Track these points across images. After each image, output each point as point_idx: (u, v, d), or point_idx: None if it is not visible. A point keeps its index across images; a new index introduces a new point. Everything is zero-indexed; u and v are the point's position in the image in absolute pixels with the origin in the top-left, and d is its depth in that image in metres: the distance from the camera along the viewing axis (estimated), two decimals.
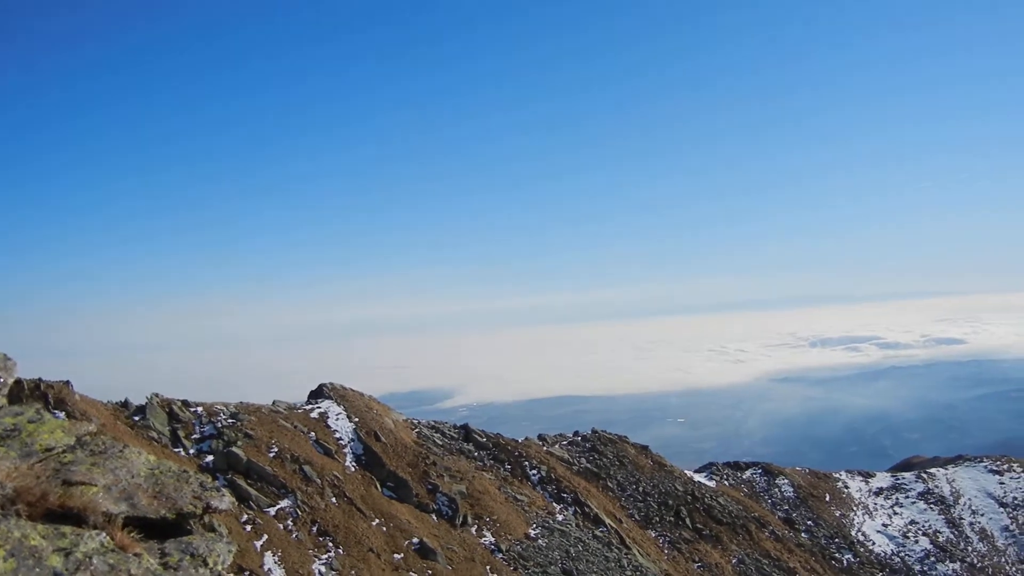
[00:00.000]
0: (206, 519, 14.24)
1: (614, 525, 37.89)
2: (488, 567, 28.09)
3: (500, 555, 29.24)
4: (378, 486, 30.48)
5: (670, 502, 46.36)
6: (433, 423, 40.46)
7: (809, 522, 59.50)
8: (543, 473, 38.92)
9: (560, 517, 34.86)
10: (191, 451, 27.42)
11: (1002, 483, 75.43)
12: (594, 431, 53.37)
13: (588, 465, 46.36)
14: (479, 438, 40.34)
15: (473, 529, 30.71)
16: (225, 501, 14.53)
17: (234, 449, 27.56)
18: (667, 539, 42.23)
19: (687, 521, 45.44)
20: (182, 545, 11.19)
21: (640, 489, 46.40)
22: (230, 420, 29.69)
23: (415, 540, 28.04)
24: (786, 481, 66.85)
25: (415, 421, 38.78)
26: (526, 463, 39.20)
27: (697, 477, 58.89)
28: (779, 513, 59.45)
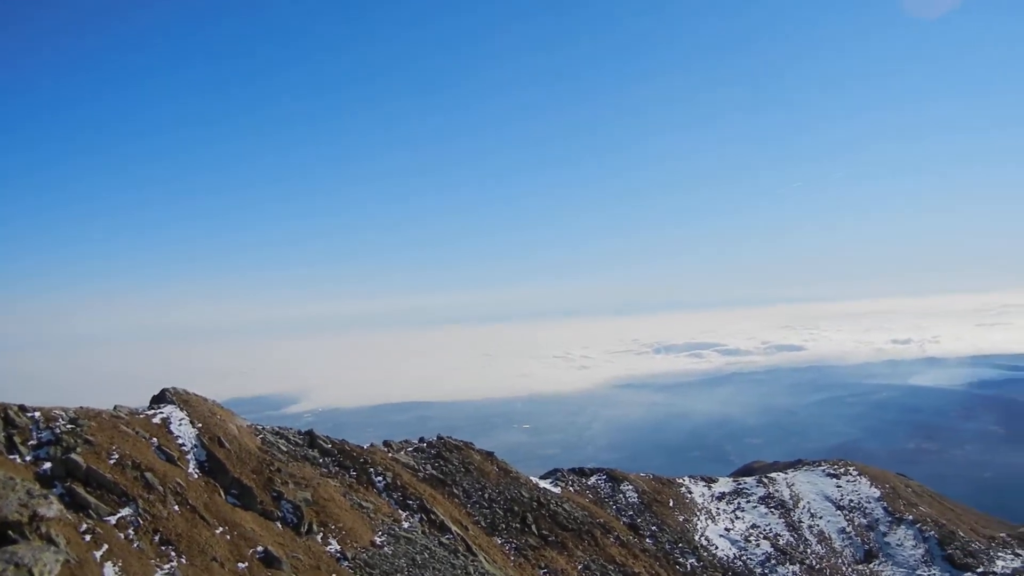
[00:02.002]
0: (42, 528, 15.56)
1: (460, 532, 40.26)
2: (333, 575, 29.61)
3: (346, 563, 31.13)
4: (222, 493, 31.76)
5: (516, 508, 49.26)
6: (278, 429, 41.80)
7: (653, 527, 63.96)
8: (389, 480, 41.02)
9: (406, 524, 37.01)
10: (28, 458, 27.99)
11: (839, 486, 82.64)
12: (440, 437, 55.88)
13: (434, 472, 48.76)
14: (324, 444, 41.98)
15: (319, 537, 32.43)
16: (53, 509, 15.85)
17: (73, 456, 28.32)
18: (513, 545, 45.08)
19: (533, 527, 48.42)
20: (6, 555, 12.20)
21: (486, 496, 49.11)
22: (69, 425, 30.31)
23: (260, 548, 29.53)
24: (630, 487, 71.27)
25: (259, 427, 40.04)
26: (372, 470, 41.20)
27: (542, 483, 62.44)
28: (624, 519, 63.65)
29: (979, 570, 70.77)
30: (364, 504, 37.33)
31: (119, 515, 27.38)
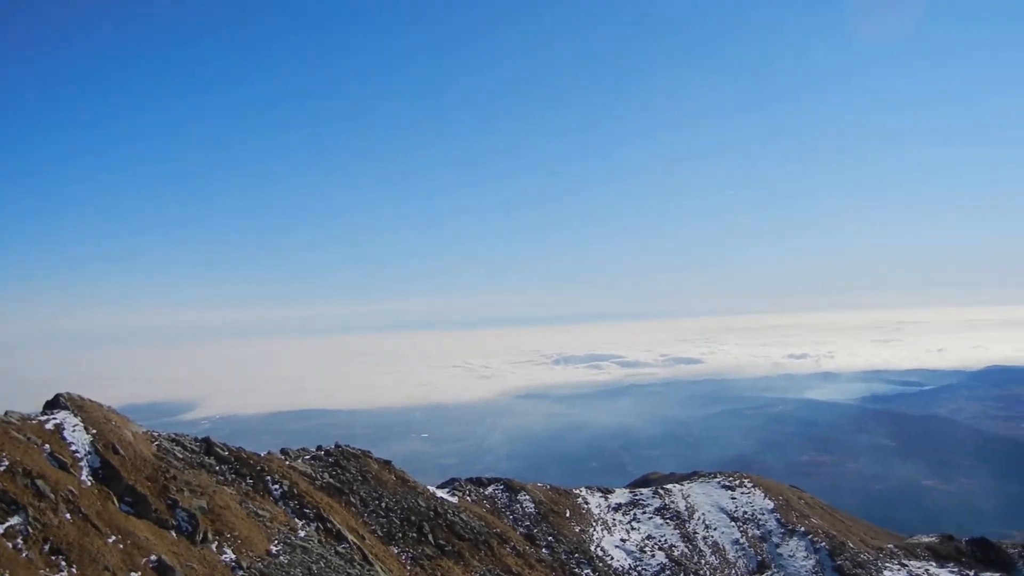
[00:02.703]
0: None
1: (357, 541, 40.81)
2: None
3: (241, 572, 31.53)
4: (115, 501, 31.75)
5: (413, 518, 50.03)
6: (173, 436, 41.74)
7: (550, 537, 65.31)
8: (286, 488, 41.33)
9: (302, 533, 37.39)
10: None
11: (734, 498, 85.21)
12: (337, 445, 56.30)
13: (331, 480, 49.20)
14: (221, 451, 42.09)
15: (214, 545, 32.71)
16: None
17: None
18: (409, 555, 45.87)
19: (430, 537, 49.25)
20: None
21: (383, 505, 49.77)
22: None
23: (153, 557, 29.68)
24: (528, 497, 72.50)
25: (155, 434, 39.92)
26: (268, 478, 41.46)
27: (440, 493, 63.29)
28: (521, 529, 64.89)
29: None
30: (260, 512, 37.60)
31: (7, 524, 27.25)
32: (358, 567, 38.28)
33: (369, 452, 58.76)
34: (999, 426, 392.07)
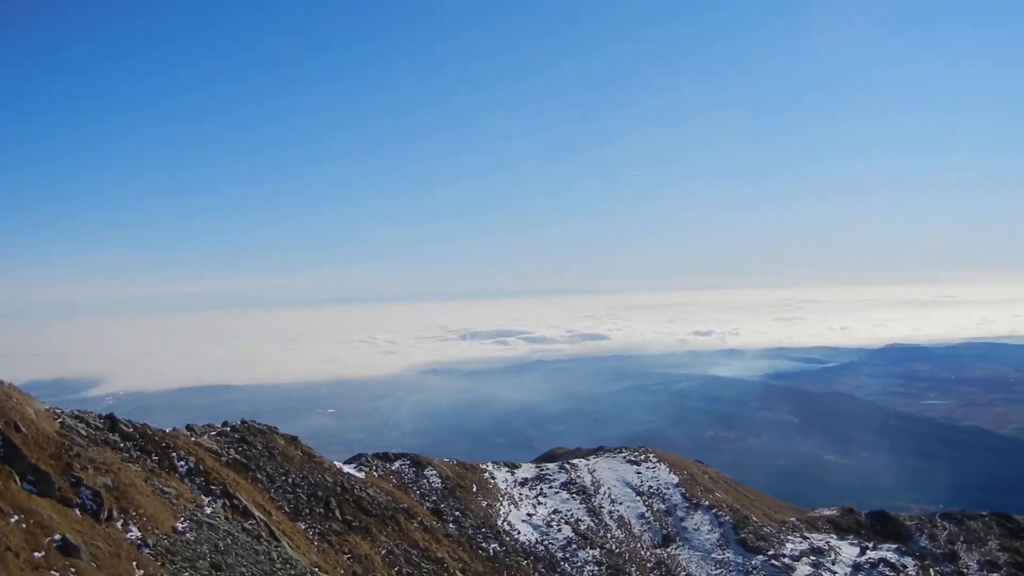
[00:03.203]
0: None
1: (263, 517, 41.09)
2: (134, 563, 30.31)
3: (147, 550, 31.55)
4: (17, 480, 31.49)
5: (320, 494, 50.47)
6: (77, 413, 41.30)
7: (457, 512, 66.27)
8: (191, 465, 41.40)
9: (208, 510, 37.56)
10: None
11: (639, 473, 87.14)
12: (243, 421, 56.34)
13: (237, 456, 49.33)
14: (126, 428, 41.82)
15: (119, 523, 32.65)
16: None
17: None
18: (317, 531, 46.29)
19: (337, 513, 49.77)
20: None
21: (290, 481, 50.07)
22: None
23: (57, 536, 29.49)
24: (434, 472, 73.40)
25: (58, 411, 39.49)
26: (174, 454, 41.45)
27: (347, 468, 63.80)
28: (428, 504, 65.78)
29: (770, 552, 76.51)
30: (166, 489, 37.60)
31: None
32: (265, 543, 38.51)
33: (275, 428, 58.88)
34: (898, 402, 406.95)
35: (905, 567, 77.57)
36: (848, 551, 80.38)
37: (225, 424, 56.39)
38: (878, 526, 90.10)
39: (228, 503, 40.85)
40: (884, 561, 77.80)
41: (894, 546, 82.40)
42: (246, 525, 39.65)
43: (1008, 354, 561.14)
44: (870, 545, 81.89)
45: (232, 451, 50.80)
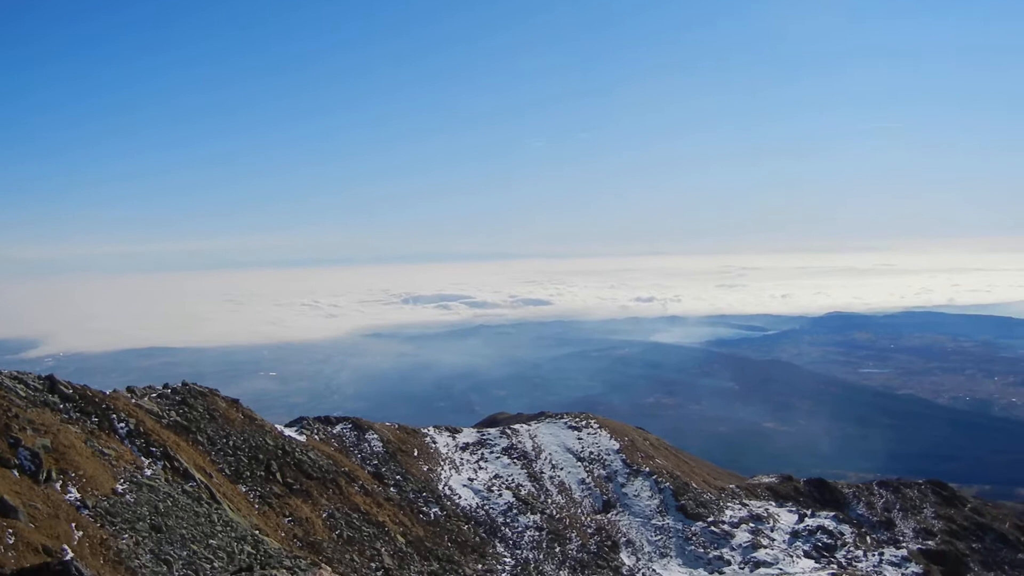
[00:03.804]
0: None
1: (204, 480, 41.34)
2: (74, 524, 30.30)
3: (86, 511, 31.63)
4: None
5: (260, 456, 50.78)
6: (16, 373, 41.04)
7: (398, 476, 66.93)
8: (132, 426, 41.37)
9: (149, 472, 37.70)
10: None
11: (580, 439, 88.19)
12: (184, 384, 56.24)
13: (178, 419, 49.33)
14: (65, 390, 41.60)
15: (58, 484, 32.64)
16: None
17: None
18: (257, 493, 46.67)
19: (277, 476, 50.18)
20: None
21: (230, 443, 50.29)
22: None
23: None
24: (376, 436, 73.95)
25: None
26: (114, 416, 41.37)
27: (288, 431, 64.07)
28: (369, 467, 66.29)
29: (709, 519, 78.13)
30: (106, 451, 37.59)
31: None
32: (205, 505, 38.71)
33: (216, 390, 58.86)
34: (838, 370, 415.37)
35: (842, 534, 79.68)
36: (787, 518, 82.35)
37: (166, 386, 56.25)
38: (816, 493, 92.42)
39: (168, 465, 40.96)
40: (822, 528, 79.82)
41: (832, 513, 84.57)
42: (186, 487, 39.81)
43: (945, 323, 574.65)
44: (808, 512, 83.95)
45: (173, 413, 50.78)
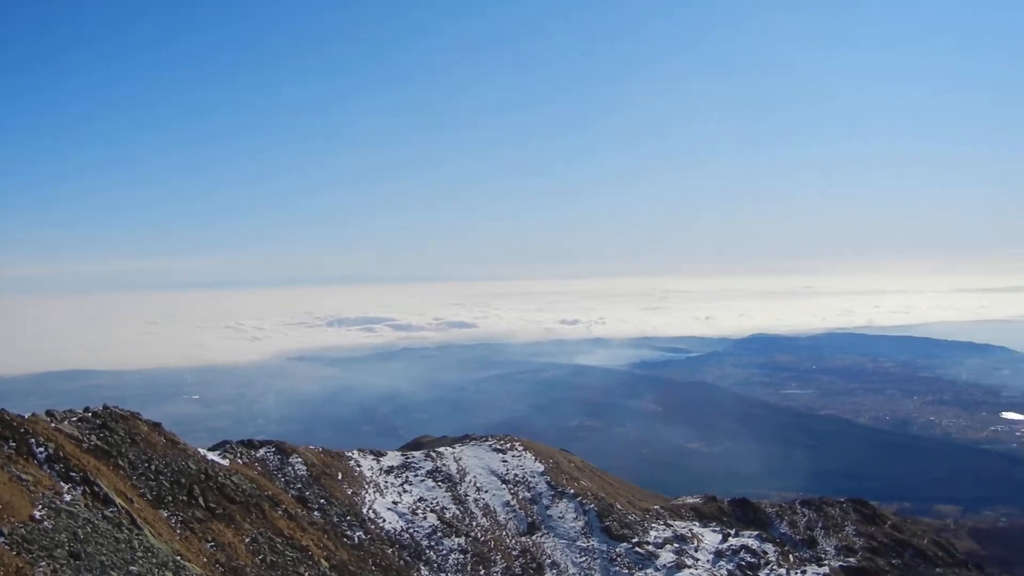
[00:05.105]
0: None
1: (125, 505, 41.13)
2: None
3: (2, 539, 31.45)
4: None
5: (183, 481, 50.55)
6: None
7: (322, 500, 66.90)
8: (51, 451, 41.08)
9: (68, 497, 37.41)
10: None
11: (505, 461, 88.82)
12: (105, 407, 55.73)
13: (99, 443, 48.98)
14: None
15: None
16: None
17: None
18: (180, 518, 46.52)
19: (200, 500, 50.02)
20: None
21: (152, 467, 50.06)
22: None
23: None
24: (299, 460, 73.81)
25: None
26: (32, 440, 41.07)
27: (211, 455, 63.80)
28: (292, 491, 66.26)
29: (634, 540, 79.25)
30: (23, 476, 37.28)
31: None
32: (126, 531, 38.49)
33: (138, 414, 58.41)
34: (761, 391, 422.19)
35: (766, 553, 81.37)
36: (711, 538, 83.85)
37: (87, 410, 55.64)
38: (740, 513, 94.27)
39: (88, 490, 40.66)
40: (745, 547, 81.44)
41: (755, 532, 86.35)
42: (107, 513, 39.54)
43: (866, 344, 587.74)
44: (732, 532, 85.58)
45: (94, 437, 50.32)
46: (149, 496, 48.19)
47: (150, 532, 41.23)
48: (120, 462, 49.52)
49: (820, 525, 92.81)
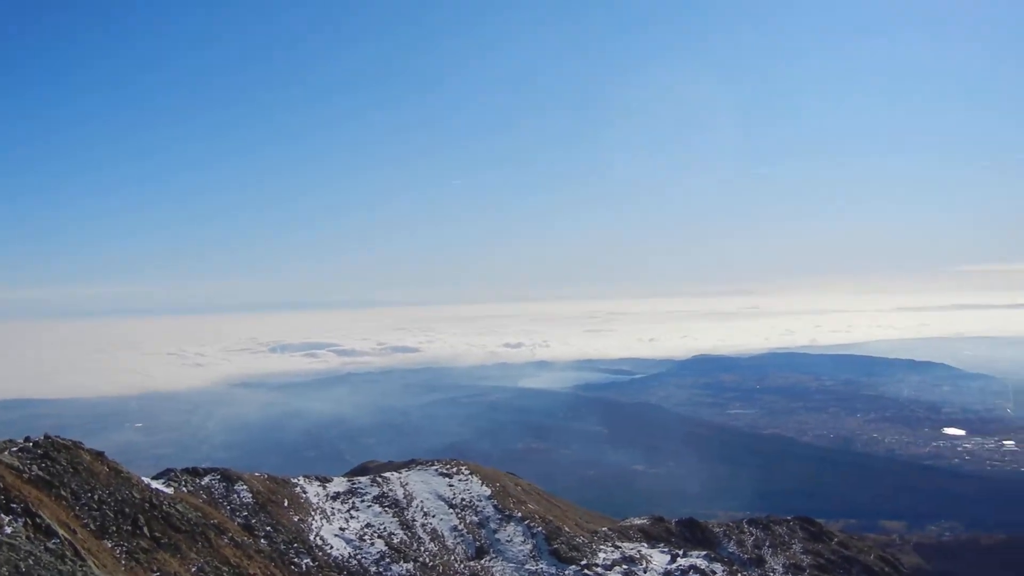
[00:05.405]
0: None
1: (68, 536, 40.53)
2: None
3: None
4: None
5: (127, 510, 49.94)
6: None
7: (268, 528, 66.53)
8: None
9: (9, 529, 36.83)
10: None
11: (451, 485, 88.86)
12: (47, 436, 54.89)
13: (40, 473, 48.21)
14: None
15: None
16: None
17: None
18: (124, 548, 46.05)
19: (145, 529, 49.44)
20: None
21: (96, 497, 49.35)
22: None
23: None
24: (245, 487, 73.35)
25: None
26: None
27: (155, 484, 63.13)
28: (238, 519, 65.85)
29: (583, 563, 79.51)
30: None
31: None
32: (70, 563, 37.96)
33: (80, 443, 57.56)
34: (705, 412, 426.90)
35: (714, 572, 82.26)
36: (659, 559, 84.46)
37: (27, 439, 54.73)
38: (687, 533, 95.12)
39: (30, 522, 40.05)
40: (694, 568, 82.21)
41: (703, 552, 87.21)
42: (49, 544, 38.96)
43: (808, 363, 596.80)
44: (680, 552, 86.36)
45: (35, 467, 49.53)
46: (93, 526, 47.51)
47: (94, 563, 40.66)
48: (62, 492, 48.78)
49: (767, 544, 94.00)
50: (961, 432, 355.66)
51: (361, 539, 75.07)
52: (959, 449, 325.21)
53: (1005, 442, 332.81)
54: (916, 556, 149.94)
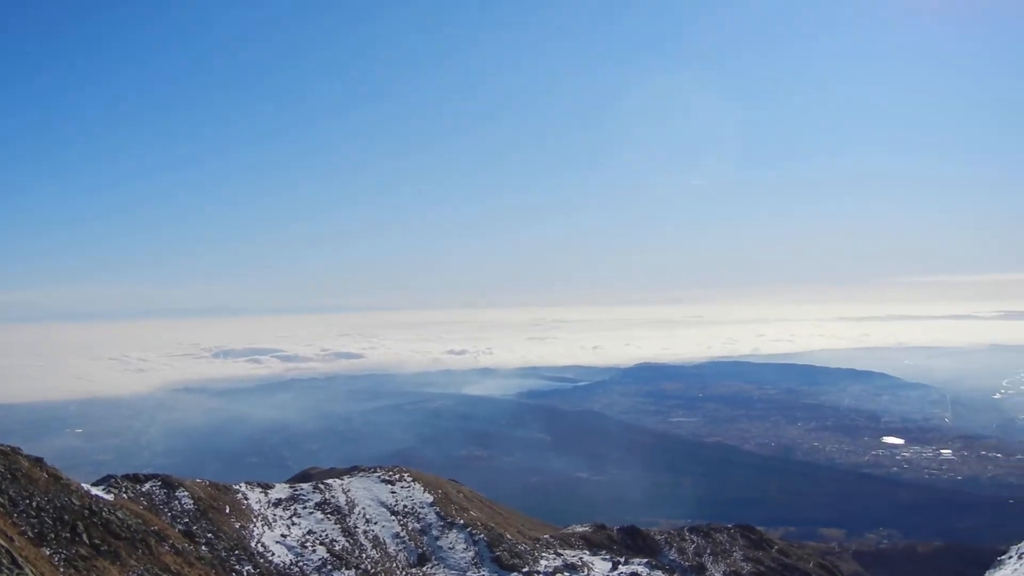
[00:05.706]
0: None
1: (4, 544, 40.14)
2: None
3: None
4: None
5: (66, 517, 49.61)
6: None
7: (209, 535, 66.39)
8: None
9: None
10: None
11: (394, 492, 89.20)
12: None
13: None
14: None
15: None
16: None
17: None
18: (63, 556, 45.78)
19: (84, 537, 49.15)
20: None
21: (34, 504, 48.97)
22: None
23: None
24: (186, 493, 73.07)
25: None
26: None
27: (95, 490, 62.63)
28: (179, 526, 65.64)
29: (524, 570, 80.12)
30: None
31: None
32: (6, 571, 37.73)
33: (19, 448, 56.96)
34: (648, 420, 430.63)
35: None
36: (601, 566, 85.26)
37: None
38: (629, 541, 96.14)
39: None
40: (635, 575, 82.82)
41: (645, 560, 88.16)
42: None
43: (751, 372, 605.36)
44: (622, 560, 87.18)
45: None
46: (31, 534, 47.08)
47: (31, 571, 40.35)
48: (0, 499, 48.36)
49: (709, 551, 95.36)
50: (900, 441, 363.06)
51: (303, 546, 74.99)
52: (898, 458, 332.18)
53: (943, 451, 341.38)
54: (855, 564, 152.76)
